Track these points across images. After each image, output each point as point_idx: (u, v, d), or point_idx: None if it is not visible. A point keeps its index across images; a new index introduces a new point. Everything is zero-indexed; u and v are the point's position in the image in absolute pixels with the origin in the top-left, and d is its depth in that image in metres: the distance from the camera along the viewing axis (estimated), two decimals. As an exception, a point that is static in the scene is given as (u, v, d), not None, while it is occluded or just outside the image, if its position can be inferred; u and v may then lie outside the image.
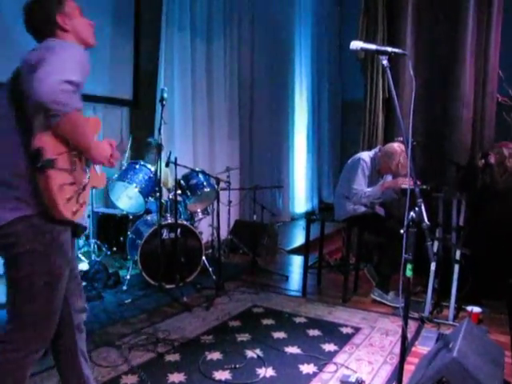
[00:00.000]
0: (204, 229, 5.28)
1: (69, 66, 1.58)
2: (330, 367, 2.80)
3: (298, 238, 6.66)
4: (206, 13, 6.15)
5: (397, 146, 3.89)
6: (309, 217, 4.56)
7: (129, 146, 5.12)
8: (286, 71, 7.98)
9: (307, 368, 2.78)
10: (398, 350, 2.65)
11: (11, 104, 1.69)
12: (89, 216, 4.71)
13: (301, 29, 8.39)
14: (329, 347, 3.07)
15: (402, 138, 3.29)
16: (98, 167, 1.99)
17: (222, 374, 2.69)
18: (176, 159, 4.02)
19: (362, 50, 2.15)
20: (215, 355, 2.94)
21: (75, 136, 1.66)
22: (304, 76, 8.64)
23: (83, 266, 4.32)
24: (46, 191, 1.60)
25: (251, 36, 7.02)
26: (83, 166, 1.81)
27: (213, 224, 4.92)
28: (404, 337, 2.05)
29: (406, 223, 1.99)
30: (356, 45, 2.12)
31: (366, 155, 3.98)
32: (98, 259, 4.43)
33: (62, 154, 1.64)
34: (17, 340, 1.71)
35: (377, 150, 4.04)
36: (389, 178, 4.06)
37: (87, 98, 5.22)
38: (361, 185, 3.84)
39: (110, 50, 5.48)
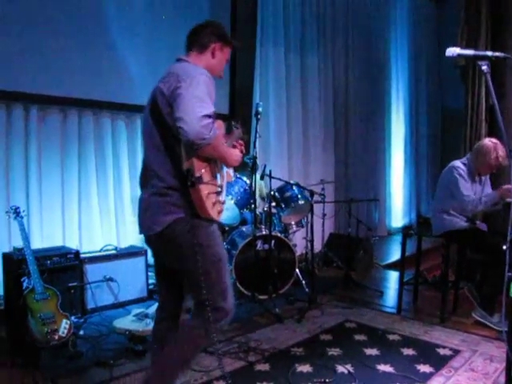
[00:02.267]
0: (298, 241, 5.30)
1: (203, 101, 1.90)
2: (425, 389, 2.69)
3: (395, 253, 6.44)
4: (299, 26, 6.23)
5: (487, 141, 3.75)
6: (405, 231, 4.42)
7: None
8: (382, 81, 7.81)
9: (400, 388, 2.69)
10: (504, 379, 2.47)
11: (154, 124, 2.05)
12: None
13: (397, 36, 8.17)
14: (424, 368, 2.94)
15: None
16: None
17: (311, 388, 2.69)
18: (270, 172, 4.10)
19: (460, 56, 2.07)
20: (305, 368, 2.94)
21: (216, 154, 2.03)
22: (401, 85, 8.39)
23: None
24: (198, 201, 1.96)
25: (345, 47, 6.97)
26: (220, 171, 2.17)
27: (307, 236, 4.93)
28: (510, 364, 1.92)
29: (509, 238, 1.87)
30: (452, 51, 2.06)
31: (457, 162, 3.84)
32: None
33: (206, 169, 2.00)
34: (202, 323, 2.02)
35: (467, 155, 3.88)
36: (488, 182, 3.91)
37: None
38: (469, 190, 3.68)
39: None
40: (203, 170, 1.97)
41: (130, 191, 5.12)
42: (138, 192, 5.10)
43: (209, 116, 1.86)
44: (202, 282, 1.97)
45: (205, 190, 1.96)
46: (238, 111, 6.05)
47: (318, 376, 2.82)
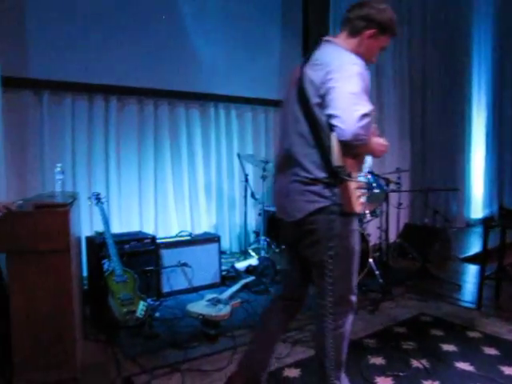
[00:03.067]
0: (372, 231, 5.18)
1: (360, 98, 1.78)
2: (510, 392, 2.53)
3: (474, 246, 6.12)
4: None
5: None
6: (487, 223, 4.18)
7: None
8: (462, 66, 7.41)
9: (481, 389, 2.56)
10: None
11: (301, 111, 1.97)
12: (260, 214, 4.96)
13: (480, 22, 7.70)
14: (509, 371, 2.75)
15: None
16: None
17: (384, 381, 2.62)
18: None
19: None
20: (378, 360, 2.87)
21: (367, 150, 1.98)
22: (483, 71, 7.91)
23: (253, 261, 4.56)
24: (346, 197, 1.93)
25: (423, 30, 6.67)
26: (363, 163, 2.11)
27: (381, 226, 4.80)
28: None
29: None
30: None
31: None
32: (267, 256, 4.63)
33: (352, 164, 1.94)
34: (336, 312, 2.01)
35: None
36: None
37: (261, 102, 5.57)
38: None
39: (279, 56, 5.70)
40: (351, 166, 1.92)
41: (203, 179, 5.23)
42: (212, 179, 5.27)
43: (367, 115, 1.76)
44: (333, 273, 1.92)
45: (352, 185, 1.94)
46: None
47: (391, 369, 2.74)
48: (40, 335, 2.47)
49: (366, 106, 1.77)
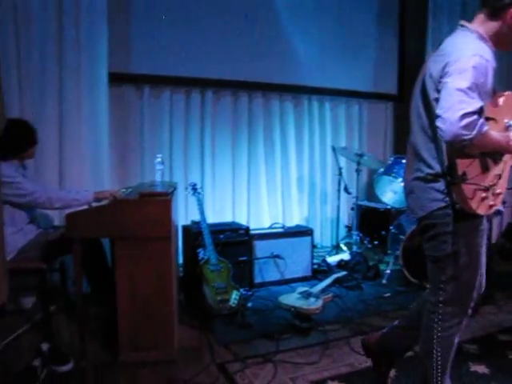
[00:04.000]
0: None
1: (468, 94, 1.67)
2: None
3: None
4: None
5: None
6: None
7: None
8: None
9: None
10: None
11: (422, 105, 1.91)
12: (352, 209, 4.86)
13: None
14: None
15: None
16: None
17: (488, 390, 2.46)
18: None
19: None
20: (480, 368, 2.70)
21: (486, 149, 1.81)
22: None
23: (345, 255, 4.49)
24: (461, 200, 1.82)
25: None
26: (494, 159, 1.90)
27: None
28: None
29: None
30: None
31: None
32: (359, 251, 4.54)
33: (472, 164, 1.81)
34: (444, 313, 1.96)
35: None
36: None
37: (355, 94, 5.45)
38: None
39: (374, 48, 5.54)
40: (468, 168, 1.80)
41: (296, 171, 5.22)
42: (305, 172, 5.26)
43: (472, 113, 1.65)
44: (447, 271, 1.90)
45: (470, 187, 1.81)
46: (407, 91, 5.74)
47: (495, 380, 2.56)
48: (142, 318, 2.60)
49: (472, 104, 1.66)
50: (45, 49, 3.69)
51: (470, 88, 1.67)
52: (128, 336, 2.61)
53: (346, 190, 4.77)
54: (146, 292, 2.58)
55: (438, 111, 1.72)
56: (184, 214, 4.52)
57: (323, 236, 5.48)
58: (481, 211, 1.85)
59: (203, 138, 4.73)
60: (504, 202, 4.63)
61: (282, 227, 4.35)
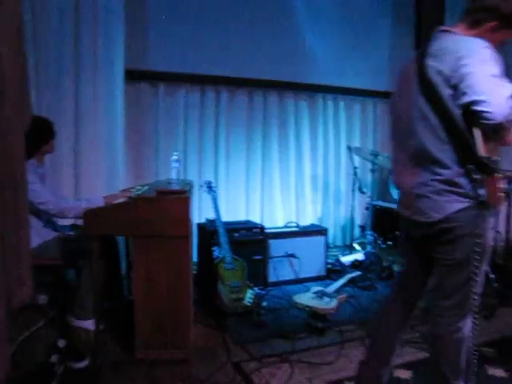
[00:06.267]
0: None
1: (502, 80, 1.70)
2: None
3: None
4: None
5: None
6: None
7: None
8: None
9: None
10: None
11: (429, 107, 1.88)
12: (367, 208, 4.83)
13: None
14: None
15: None
16: None
17: (506, 395, 2.43)
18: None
19: None
20: (498, 372, 2.67)
21: (510, 137, 1.80)
22: None
23: (359, 255, 4.47)
24: (492, 190, 1.82)
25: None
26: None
27: (496, 227, 4.45)
28: None
29: None
30: None
31: None
32: (373, 251, 4.51)
33: (497, 155, 1.83)
34: (454, 314, 1.94)
35: None
36: None
37: (370, 94, 5.41)
38: None
39: (389, 47, 5.51)
40: (498, 156, 1.82)
41: (310, 170, 5.20)
42: (319, 171, 5.24)
43: None
44: (467, 274, 1.88)
45: (497, 179, 1.83)
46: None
47: (513, 383, 2.55)
48: (158, 316, 2.60)
49: (510, 87, 1.67)
50: (62, 48, 3.71)
51: (499, 74, 1.70)
52: (144, 334, 2.62)
53: (360, 189, 4.74)
54: (163, 291, 2.59)
55: (477, 97, 1.68)
56: (198, 212, 4.52)
57: (336, 235, 5.46)
58: (500, 204, 1.89)
59: (217, 137, 4.73)
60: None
61: (297, 226, 4.34)
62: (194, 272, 3.82)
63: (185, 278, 2.62)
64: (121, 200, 2.83)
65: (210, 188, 3.76)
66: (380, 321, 2.29)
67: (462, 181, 1.84)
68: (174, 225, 2.53)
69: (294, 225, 4.40)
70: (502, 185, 1.86)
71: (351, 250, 4.79)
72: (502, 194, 1.88)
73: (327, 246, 4.31)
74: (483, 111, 1.66)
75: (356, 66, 5.19)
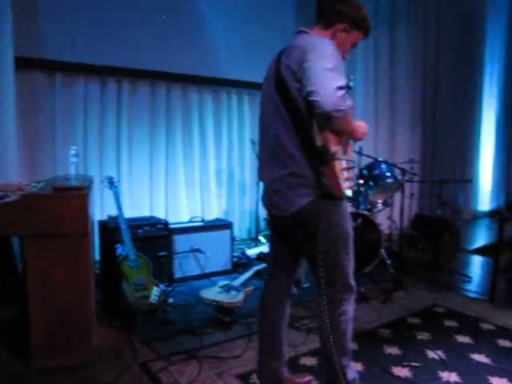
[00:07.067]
0: (381, 221, 5.15)
1: (334, 72, 1.82)
2: (528, 386, 2.52)
3: (481, 238, 6.12)
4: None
5: None
6: (501, 215, 4.15)
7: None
8: (474, 59, 7.29)
9: (499, 382, 2.54)
10: None
11: (281, 100, 1.99)
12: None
13: (496, 9, 7.58)
14: (526, 363, 2.74)
15: None
16: None
17: (401, 371, 2.62)
18: (361, 149, 3.99)
19: None
20: (393, 350, 2.87)
21: (347, 127, 1.94)
22: (496, 61, 7.81)
23: (264, 248, 4.55)
24: (332, 178, 1.92)
25: (436, 22, 6.60)
26: (347, 145, 2.08)
27: (391, 216, 4.77)
28: None
29: None
30: None
31: None
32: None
33: (337, 145, 1.93)
34: (335, 299, 2.06)
35: None
36: None
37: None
38: None
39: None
40: (336, 147, 1.92)
41: (214, 164, 5.19)
42: (223, 166, 5.24)
43: (343, 87, 1.79)
44: (328, 261, 1.99)
45: (337, 165, 1.92)
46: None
47: (407, 359, 2.74)
48: (57, 320, 2.46)
49: (341, 80, 1.80)
50: None
51: (334, 68, 1.83)
52: (41, 340, 2.45)
53: (264, 183, 4.82)
54: (61, 293, 2.44)
55: (311, 88, 1.80)
56: (100, 208, 4.33)
57: (242, 229, 5.50)
58: (345, 190, 1.99)
59: (119, 130, 4.56)
60: (412, 194, 4.93)
61: (202, 221, 4.31)
62: (97, 271, 3.67)
63: (85, 278, 2.49)
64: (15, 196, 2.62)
65: (111, 183, 3.61)
66: (261, 315, 2.34)
67: (308, 172, 1.95)
68: (72, 223, 2.39)
69: (199, 219, 4.37)
70: (347, 174, 2.00)
71: (257, 242, 4.87)
72: (348, 183, 2.01)
73: (233, 240, 4.34)
74: (314, 100, 1.79)
75: (260, 60, 5.21)
